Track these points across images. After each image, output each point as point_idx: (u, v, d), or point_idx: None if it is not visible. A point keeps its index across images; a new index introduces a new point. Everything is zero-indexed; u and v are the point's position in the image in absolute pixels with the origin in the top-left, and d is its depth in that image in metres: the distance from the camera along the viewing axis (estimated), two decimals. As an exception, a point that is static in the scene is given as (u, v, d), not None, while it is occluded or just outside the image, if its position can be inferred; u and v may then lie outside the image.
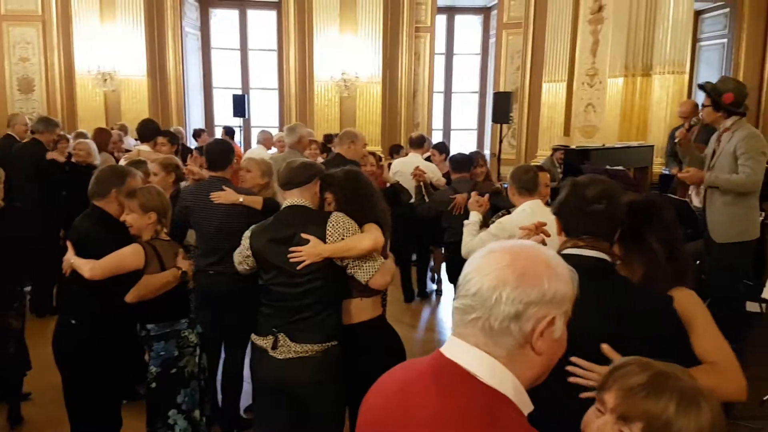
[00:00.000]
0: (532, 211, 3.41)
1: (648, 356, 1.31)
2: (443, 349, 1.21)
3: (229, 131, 9.87)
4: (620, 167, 6.11)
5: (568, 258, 1.76)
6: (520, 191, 3.57)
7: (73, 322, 3.01)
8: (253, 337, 2.82)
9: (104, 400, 3.09)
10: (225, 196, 3.70)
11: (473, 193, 3.75)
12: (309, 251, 2.66)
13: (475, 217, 3.64)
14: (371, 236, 2.74)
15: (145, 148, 5.65)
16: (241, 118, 11.14)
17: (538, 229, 2.45)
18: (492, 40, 12.44)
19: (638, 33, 8.32)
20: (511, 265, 1.13)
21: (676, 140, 4.95)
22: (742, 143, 4.29)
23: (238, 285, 3.32)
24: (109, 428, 3.15)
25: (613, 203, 1.87)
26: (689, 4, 8.11)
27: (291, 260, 2.66)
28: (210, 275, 3.66)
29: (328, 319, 2.75)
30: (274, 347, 2.69)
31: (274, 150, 7.81)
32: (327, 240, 2.69)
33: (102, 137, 6.94)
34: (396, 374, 1.31)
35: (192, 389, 3.07)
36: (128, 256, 2.90)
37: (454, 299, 1.21)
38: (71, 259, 2.92)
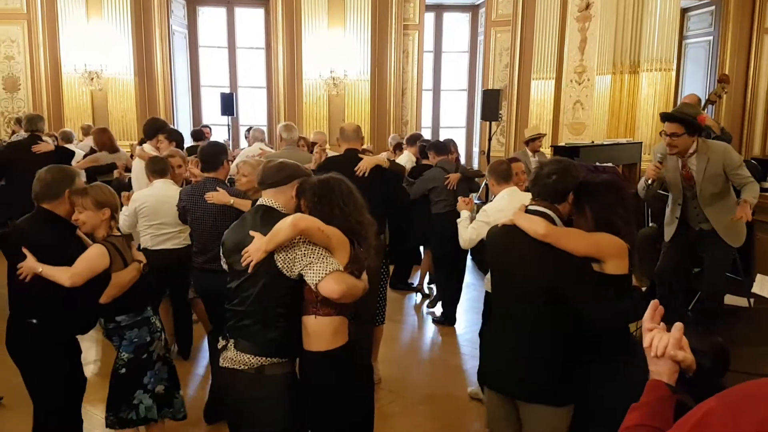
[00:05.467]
0: (509, 196, 4.04)
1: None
2: None
3: (197, 135, 9.25)
4: (609, 164, 6.17)
5: (529, 212, 2.59)
6: (498, 181, 4.18)
7: (35, 321, 2.94)
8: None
9: (68, 397, 3.10)
10: (217, 197, 3.81)
11: (460, 198, 4.31)
12: (253, 249, 2.43)
13: (465, 214, 4.18)
14: (299, 216, 2.44)
15: (147, 146, 5.67)
16: (230, 117, 11.09)
17: None
18: (480, 38, 12.45)
19: (626, 30, 8.37)
20: None
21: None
22: (729, 160, 4.28)
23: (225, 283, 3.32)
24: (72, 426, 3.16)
25: (560, 178, 2.58)
26: (676, 2, 8.17)
27: (242, 263, 2.45)
28: (202, 272, 3.92)
29: (269, 332, 2.47)
30: (224, 350, 2.55)
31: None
32: None
33: (104, 137, 6.75)
34: None
35: (157, 369, 3.17)
36: (97, 258, 2.94)
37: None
38: (38, 268, 2.83)
